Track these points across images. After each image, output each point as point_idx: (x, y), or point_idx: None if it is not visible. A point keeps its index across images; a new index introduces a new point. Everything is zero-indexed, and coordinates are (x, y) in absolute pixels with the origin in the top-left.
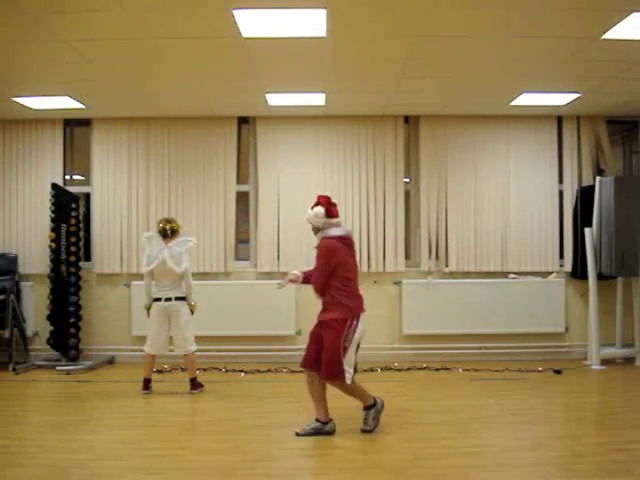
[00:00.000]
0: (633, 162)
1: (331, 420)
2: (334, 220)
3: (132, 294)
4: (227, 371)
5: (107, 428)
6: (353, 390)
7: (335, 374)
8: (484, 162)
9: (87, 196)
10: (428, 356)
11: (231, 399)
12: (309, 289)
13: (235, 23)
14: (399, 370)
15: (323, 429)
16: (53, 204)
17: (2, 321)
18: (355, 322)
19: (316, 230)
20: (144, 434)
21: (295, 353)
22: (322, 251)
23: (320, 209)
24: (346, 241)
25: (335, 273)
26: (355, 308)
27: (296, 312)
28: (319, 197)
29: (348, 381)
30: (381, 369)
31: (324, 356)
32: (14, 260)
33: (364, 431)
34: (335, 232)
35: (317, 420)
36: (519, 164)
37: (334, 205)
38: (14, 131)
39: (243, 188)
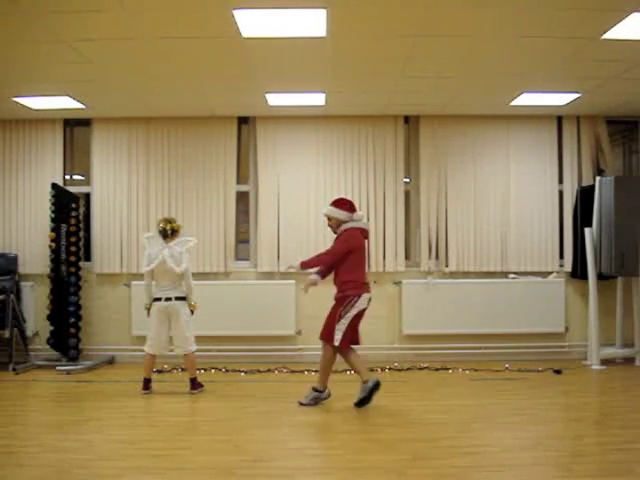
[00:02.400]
0: (633, 162)
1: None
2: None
3: (132, 294)
4: (227, 371)
5: (107, 428)
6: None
7: (328, 335)
8: (484, 162)
9: (87, 196)
10: (428, 356)
11: (231, 399)
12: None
13: (235, 23)
14: (399, 370)
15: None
16: (53, 204)
17: (2, 321)
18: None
19: (336, 227)
20: (144, 434)
21: (295, 353)
22: (344, 236)
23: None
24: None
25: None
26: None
27: (296, 312)
28: (339, 201)
29: (336, 342)
30: (381, 369)
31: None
32: (14, 260)
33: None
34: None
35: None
36: (519, 164)
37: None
38: (14, 131)
39: (243, 188)
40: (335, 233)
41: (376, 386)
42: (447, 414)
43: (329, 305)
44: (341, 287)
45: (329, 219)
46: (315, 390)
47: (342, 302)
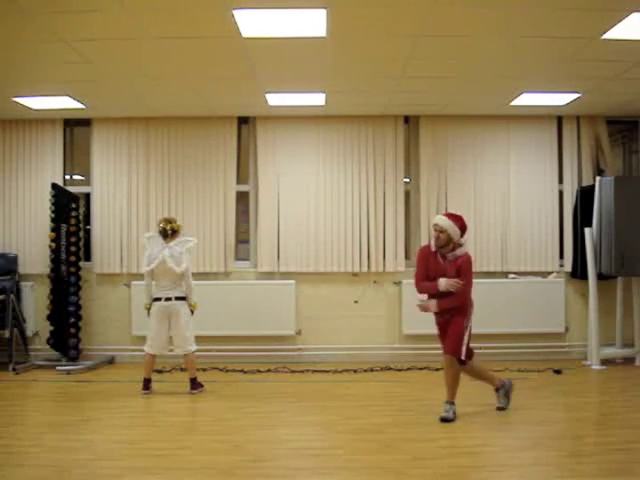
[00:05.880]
0: (633, 162)
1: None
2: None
3: (132, 294)
4: (227, 371)
5: (107, 428)
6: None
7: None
8: (484, 162)
9: (87, 196)
10: (428, 356)
11: (231, 399)
12: (308, 289)
13: (235, 23)
14: (399, 370)
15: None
16: (53, 204)
17: (2, 321)
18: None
19: (446, 242)
20: (144, 434)
21: (295, 353)
22: (469, 265)
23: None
24: None
25: None
26: None
27: (296, 312)
28: (456, 216)
29: (463, 356)
30: (381, 369)
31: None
32: (14, 260)
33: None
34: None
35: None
36: (519, 164)
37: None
38: (14, 131)
39: (243, 188)
40: (438, 246)
41: (511, 386)
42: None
43: (328, 306)
44: (460, 299)
45: (441, 231)
46: (452, 403)
47: (464, 314)
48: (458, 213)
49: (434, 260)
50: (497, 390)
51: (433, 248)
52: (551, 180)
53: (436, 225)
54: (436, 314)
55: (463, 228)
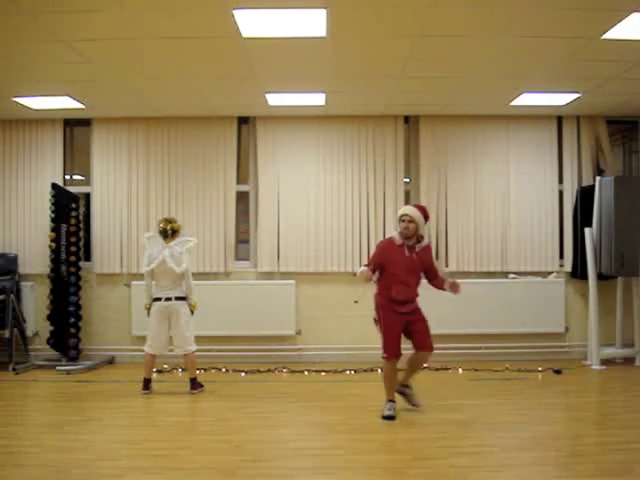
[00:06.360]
0: (633, 162)
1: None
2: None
3: (132, 294)
4: (227, 371)
5: (107, 428)
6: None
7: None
8: (484, 162)
9: (87, 196)
10: None
11: (231, 399)
12: (308, 289)
13: (235, 23)
14: (399, 370)
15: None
16: (53, 204)
17: (2, 321)
18: None
19: (414, 232)
20: (144, 434)
21: (295, 353)
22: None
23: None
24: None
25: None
26: None
27: (296, 312)
28: (421, 207)
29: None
30: (381, 369)
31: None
32: (14, 260)
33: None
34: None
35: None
36: (519, 164)
37: None
38: (14, 131)
39: (243, 188)
40: (407, 238)
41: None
42: (447, 414)
43: (328, 306)
44: (415, 297)
45: (410, 221)
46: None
47: (419, 306)
48: (422, 204)
49: (399, 253)
50: (392, 401)
51: (399, 241)
52: (551, 180)
53: (406, 215)
54: (400, 310)
55: (426, 218)
